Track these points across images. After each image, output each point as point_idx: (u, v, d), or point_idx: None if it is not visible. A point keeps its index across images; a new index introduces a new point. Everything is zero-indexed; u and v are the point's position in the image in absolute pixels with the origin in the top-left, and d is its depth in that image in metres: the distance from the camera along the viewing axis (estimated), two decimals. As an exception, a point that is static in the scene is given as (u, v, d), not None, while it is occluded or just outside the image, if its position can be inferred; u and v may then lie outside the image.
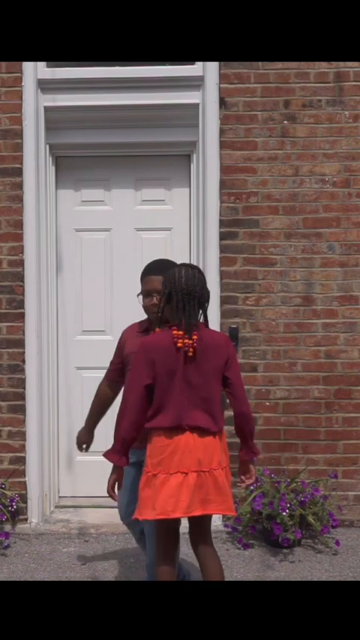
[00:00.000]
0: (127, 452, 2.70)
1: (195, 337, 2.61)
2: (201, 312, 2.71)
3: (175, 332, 2.61)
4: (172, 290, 2.64)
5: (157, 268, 2.89)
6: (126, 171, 4.50)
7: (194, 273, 2.67)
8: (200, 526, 2.75)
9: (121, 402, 2.87)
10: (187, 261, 4.40)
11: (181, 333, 2.61)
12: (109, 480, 2.77)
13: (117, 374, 3.04)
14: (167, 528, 2.72)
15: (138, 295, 2.99)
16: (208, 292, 2.72)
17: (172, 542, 2.76)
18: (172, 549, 2.76)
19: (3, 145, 4.16)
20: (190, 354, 2.61)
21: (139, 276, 2.99)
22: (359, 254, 4.16)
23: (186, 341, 2.60)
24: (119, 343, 3.03)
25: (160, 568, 2.70)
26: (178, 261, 4.20)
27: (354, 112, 4.14)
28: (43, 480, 4.26)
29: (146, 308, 2.91)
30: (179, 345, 2.60)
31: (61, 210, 4.51)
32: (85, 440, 3.21)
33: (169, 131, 4.32)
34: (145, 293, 2.89)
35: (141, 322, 3.02)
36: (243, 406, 2.76)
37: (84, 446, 3.23)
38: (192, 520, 2.73)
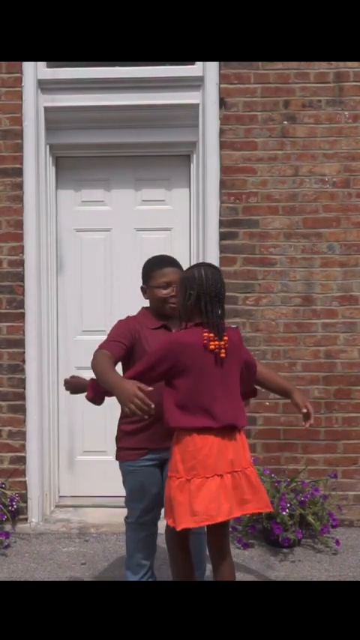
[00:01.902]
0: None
1: (226, 338, 2.63)
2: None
3: (206, 334, 2.60)
4: (200, 292, 2.62)
5: (170, 261, 2.89)
6: (126, 171, 4.50)
7: (217, 274, 2.68)
8: (222, 529, 2.71)
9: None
10: (189, 261, 4.41)
11: (211, 335, 2.60)
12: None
13: (122, 353, 2.74)
14: (187, 536, 2.71)
15: (149, 288, 2.88)
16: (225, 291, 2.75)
17: (189, 549, 2.77)
18: (191, 556, 2.78)
19: (3, 145, 4.17)
20: (223, 355, 2.61)
21: (143, 270, 2.93)
22: (359, 254, 4.16)
23: (218, 342, 2.61)
24: (129, 326, 2.82)
25: (178, 569, 2.73)
26: (179, 261, 4.20)
27: (354, 112, 4.14)
28: (44, 480, 4.26)
29: (163, 300, 2.84)
30: (212, 347, 2.59)
31: (61, 210, 4.51)
32: (136, 385, 2.43)
33: (169, 131, 4.33)
34: (165, 285, 2.84)
35: (146, 316, 2.91)
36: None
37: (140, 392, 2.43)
38: (217, 523, 2.64)
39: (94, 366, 2.61)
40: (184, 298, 2.65)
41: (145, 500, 2.91)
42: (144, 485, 2.89)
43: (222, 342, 2.61)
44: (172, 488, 2.59)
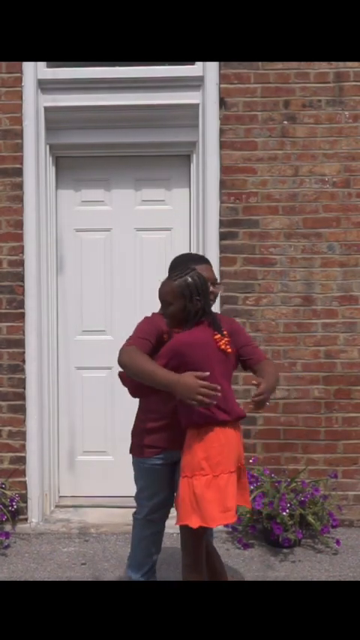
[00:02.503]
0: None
1: (225, 332, 2.66)
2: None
3: (218, 336, 2.64)
4: (192, 294, 2.64)
5: (204, 259, 2.82)
6: (126, 171, 4.50)
7: (199, 273, 2.69)
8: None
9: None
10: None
11: (216, 334, 2.65)
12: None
13: (148, 352, 2.69)
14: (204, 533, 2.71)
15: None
16: None
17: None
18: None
19: (3, 145, 4.17)
20: (229, 350, 2.66)
21: (175, 267, 2.81)
22: (359, 254, 4.16)
23: (223, 339, 2.65)
24: (156, 324, 2.76)
25: (196, 574, 2.70)
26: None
27: (354, 112, 4.14)
28: (44, 480, 4.26)
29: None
30: (222, 346, 2.64)
31: (61, 210, 4.51)
32: (195, 376, 2.49)
33: (169, 131, 4.33)
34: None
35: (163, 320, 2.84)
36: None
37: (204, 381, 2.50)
38: None
39: (132, 366, 2.57)
40: (186, 304, 2.65)
41: (155, 497, 2.92)
42: (155, 483, 2.89)
43: (226, 338, 2.66)
44: (199, 487, 2.56)
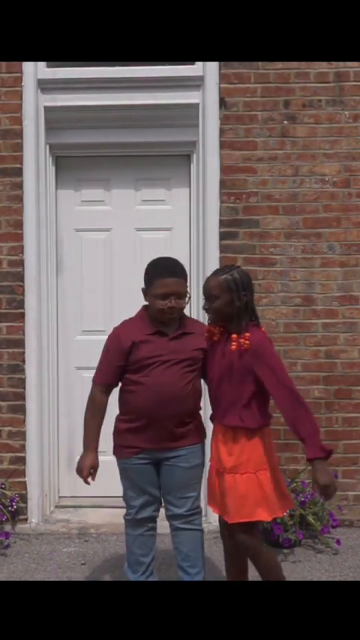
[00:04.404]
0: None
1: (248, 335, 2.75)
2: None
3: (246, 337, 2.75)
4: (239, 289, 2.74)
5: (173, 271, 2.81)
6: (126, 171, 4.50)
7: (244, 270, 2.83)
8: None
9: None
10: (189, 261, 4.41)
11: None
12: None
13: (117, 377, 2.90)
14: None
15: (149, 293, 2.83)
16: None
17: None
18: None
19: (3, 145, 4.16)
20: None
21: (146, 272, 2.88)
22: (359, 254, 4.16)
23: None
24: (119, 344, 2.85)
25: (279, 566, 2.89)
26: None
27: (354, 112, 4.14)
28: (43, 480, 4.26)
29: (161, 310, 2.79)
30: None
31: (61, 210, 4.51)
32: (94, 463, 2.92)
33: (169, 131, 4.32)
34: (163, 296, 2.78)
35: (142, 319, 2.90)
36: None
37: (92, 471, 2.92)
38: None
39: (86, 413, 2.99)
40: (233, 300, 2.72)
41: (140, 497, 2.94)
42: (138, 483, 2.92)
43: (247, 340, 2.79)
44: (265, 481, 2.73)
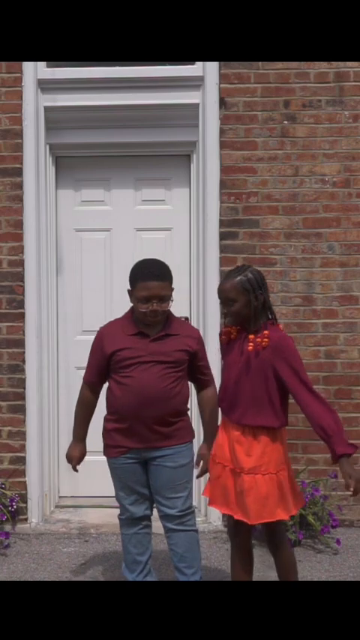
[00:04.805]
0: None
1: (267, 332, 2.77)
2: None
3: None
4: (255, 288, 2.74)
5: (156, 274, 2.79)
6: (126, 171, 4.50)
7: (256, 269, 2.83)
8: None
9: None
10: (189, 261, 4.42)
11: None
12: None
13: (103, 377, 2.98)
14: None
15: (132, 295, 2.85)
16: None
17: None
18: None
19: (3, 145, 4.16)
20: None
21: (130, 273, 2.87)
22: (359, 254, 4.16)
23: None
24: (100, 346, 2.91)
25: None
26: (177, 262, 4.22)
27: (354, 112, 4.14)
28: (43, 480, 4.26)
29: (142, 313, 2.80)
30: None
31: (61, 210, 4.51)
32: (79, 454, 3.07)
33: (169, 131, 4.32)
34: (145, 299, 2.78)
35: (128, 319, 2.92)
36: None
37: (74, 463, 3.08)
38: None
39: (75, 407, 3.10)
40: (250, 301, 2.72)
41: (131, 496, 2.96)
42: (127, 482, 2.94)
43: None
44: (285, 481, 2.77)
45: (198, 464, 3.01)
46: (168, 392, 2.82)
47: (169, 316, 2.91)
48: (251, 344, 2.72)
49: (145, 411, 2.81)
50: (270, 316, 2.81)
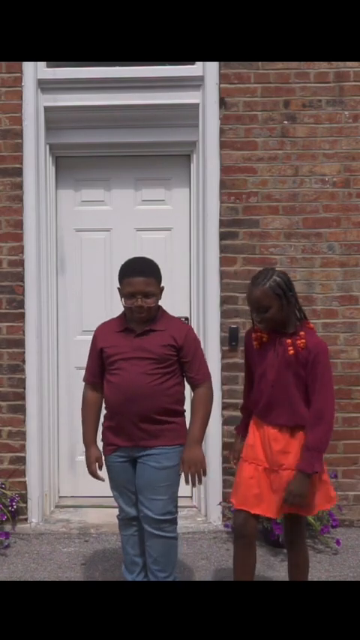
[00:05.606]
0: None
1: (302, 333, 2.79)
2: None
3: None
4: (285, 292, 2.74)
5: (139, 270, 2.82)
6: (126, 171, 4.50)
7: (282, 271, 2.83)
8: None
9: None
10: (189, 261, 4.42)
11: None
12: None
13: (97, 376, 2.99)
14: None
15: (120, 292, 2.88)
16: None
17: None
18: None
19: (3, 145, 4.17)
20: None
21: (119, 271, 2.90)
22: (359, 254, 4.16)
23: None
24: (95, 346, 2.96)
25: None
26: (177, 262, 4.22)
27: (354, 112, 4.14)
28: (43, 480, 4.26)
29: (128, 309, 2.84)
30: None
31: (61, 210, 4.51)
32: (97, 456, 2.98)
33: (169, 131, 4.32)
34: (129, 295, 2.81)
35: (120, 317, 2.97)
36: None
37: (92, 468, 2.98)
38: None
39: (81, 411, 3.07)
40: (283, 305, 2.72)
41: (123, 496, 2.97)
42: (117, 481, 2.95)
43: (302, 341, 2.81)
44: (324, 476, 2.80)
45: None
46: (152, 388, 2.80)
47: (161, 312, 2.92)
48: (291, 348, 2.73)
49: (129, 407, 2.81)
50: (299, 314, 2.81)
